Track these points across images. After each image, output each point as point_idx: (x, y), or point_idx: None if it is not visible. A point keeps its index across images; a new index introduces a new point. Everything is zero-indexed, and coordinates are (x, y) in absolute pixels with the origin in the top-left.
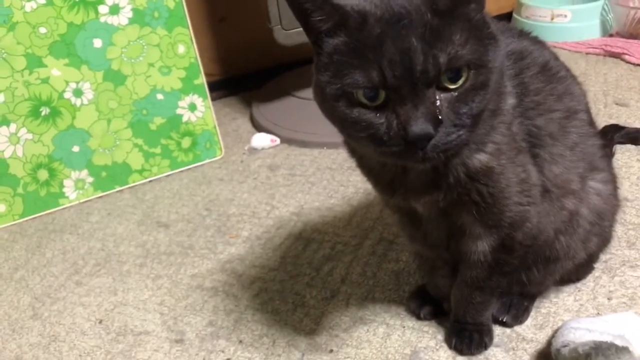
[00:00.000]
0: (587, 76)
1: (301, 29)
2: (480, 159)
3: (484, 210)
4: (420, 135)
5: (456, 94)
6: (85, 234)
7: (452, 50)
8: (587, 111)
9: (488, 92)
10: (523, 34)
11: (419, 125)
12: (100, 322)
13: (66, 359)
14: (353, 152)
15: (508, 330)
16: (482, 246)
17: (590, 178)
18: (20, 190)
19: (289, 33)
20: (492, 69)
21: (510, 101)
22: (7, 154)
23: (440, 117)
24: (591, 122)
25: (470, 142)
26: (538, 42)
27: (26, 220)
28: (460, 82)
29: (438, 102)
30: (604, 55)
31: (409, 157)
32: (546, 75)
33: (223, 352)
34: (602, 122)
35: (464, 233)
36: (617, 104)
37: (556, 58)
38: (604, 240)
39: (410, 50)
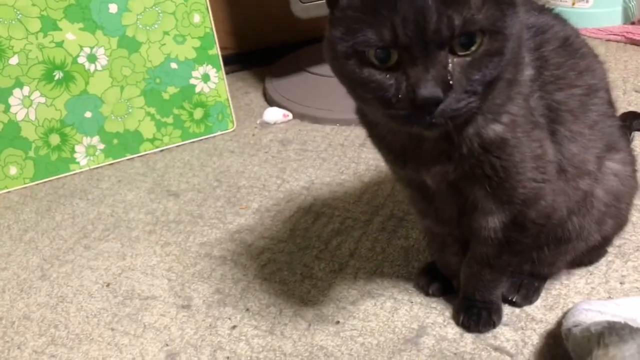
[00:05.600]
0: (607, 63)
1: (318, 1)
2: (496, 129)
3: (497, 185)
4: (429, 99)
5: (469, 59)
6: (95, 200)
7: (467, 13)
8: (607, 90)
9: (503, 59)
10: (545, 10)
11: (428, 89)
12: (108, 285)
13: (73, 320)
14: (365, 120)
15: (517, 310)
16: (493, 222)
17: (608, 158)
18: (31, 153)
19: (306, 6)
20: (508, 36)
21: (528, 72)
22: (19, 117)
23: (450, 81)
24: (610, 102)
25: (486, 112)
26: (559, 17)
27: (37, 184)
28: (474, 47)
29: (450, 66)
30: (625, 43)
31: (416, 121)
32: (567, 50)
33: (229, 319)
34: (620, 109)
35: (475, 208)
36: (636, 91)
37: (578, 35)
38: (620, 222)
39: (425, 9)
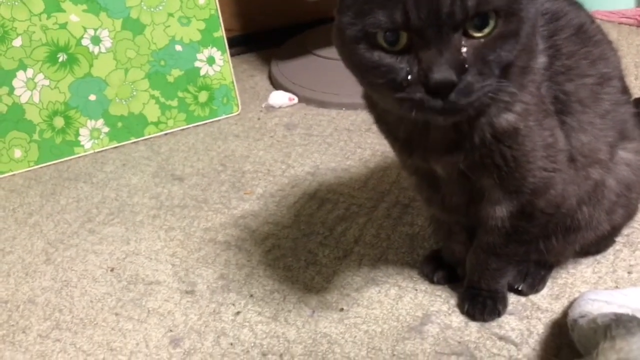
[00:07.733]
0: (619, 47)
1: None
2: (508, 118)
3: (506, 175)
4: (443, 82)
5: (483, 41)
6: (100, 183)
7: None
8: (621, 78)
9: (518, 42)
10: None
11: (442, 72)
12: (112, 270)
13: (77, 304)
14: (372, 106)
15: (523, 299)
16: (501, 211)
17: (621, 147)
18: (36, 136)
19: None
20: (524, 19)
21: (542, 59)
22: (23, 99)
23: (465, 64)
24: (625, 90)
25: (499, 100)
26: (574, 3)
27: (41, 167)
28: (488, 29)
29: (464, 49)
30: (638, 26)
31: (428, 107)
32: (581, 38)
33: (233, 305)
34: (633, 94)
35: (483, 197)
36: None
37: (593, 21)
38: (630, 212)
39: None
